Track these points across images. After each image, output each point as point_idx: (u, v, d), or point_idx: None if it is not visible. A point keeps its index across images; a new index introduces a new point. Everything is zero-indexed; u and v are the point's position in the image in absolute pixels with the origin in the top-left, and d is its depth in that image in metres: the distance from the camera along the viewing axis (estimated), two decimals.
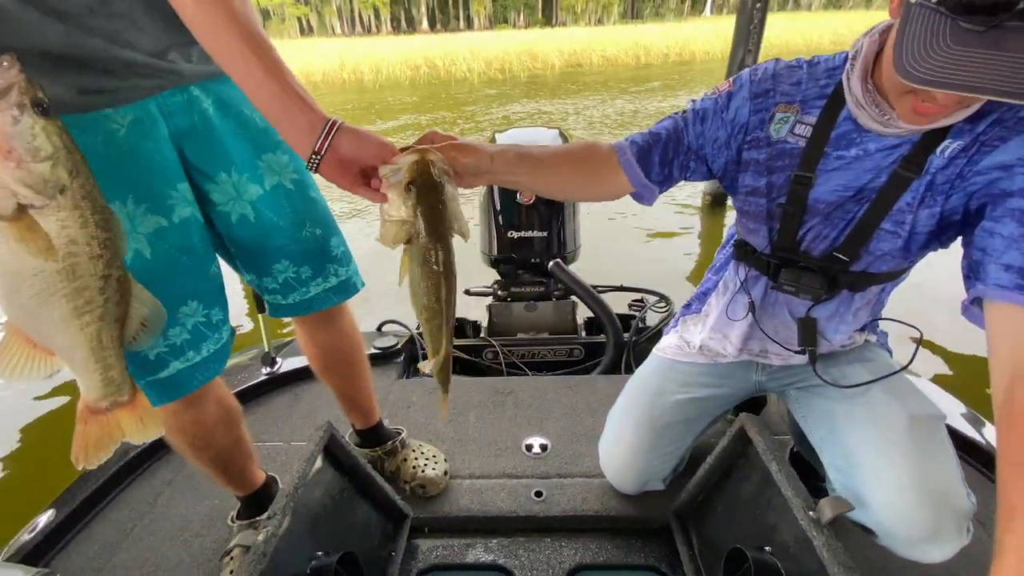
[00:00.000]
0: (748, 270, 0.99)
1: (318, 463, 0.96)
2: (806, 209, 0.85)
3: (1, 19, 0.59)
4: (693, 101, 0.90)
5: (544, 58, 17.01)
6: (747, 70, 0.87)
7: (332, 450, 1.01)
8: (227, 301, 0.88)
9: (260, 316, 1.52)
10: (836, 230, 0.85)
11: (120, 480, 1.29)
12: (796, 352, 0.97)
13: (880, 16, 0.70)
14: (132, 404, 0.56)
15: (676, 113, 0.91)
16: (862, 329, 0.98)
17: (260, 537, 0.80)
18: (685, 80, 12.94)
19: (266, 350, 1.63)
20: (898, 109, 0.71)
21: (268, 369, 1.63)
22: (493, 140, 2.02)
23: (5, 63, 0.43)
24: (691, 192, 5.24)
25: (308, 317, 0.98)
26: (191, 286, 0.79)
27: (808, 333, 0.93)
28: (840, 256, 0.85)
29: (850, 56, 0.77)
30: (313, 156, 0.61)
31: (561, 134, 2.13)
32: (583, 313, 2.04)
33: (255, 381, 1.60)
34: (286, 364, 1.66)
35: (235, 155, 0.79)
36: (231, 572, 1.02)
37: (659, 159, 0.88)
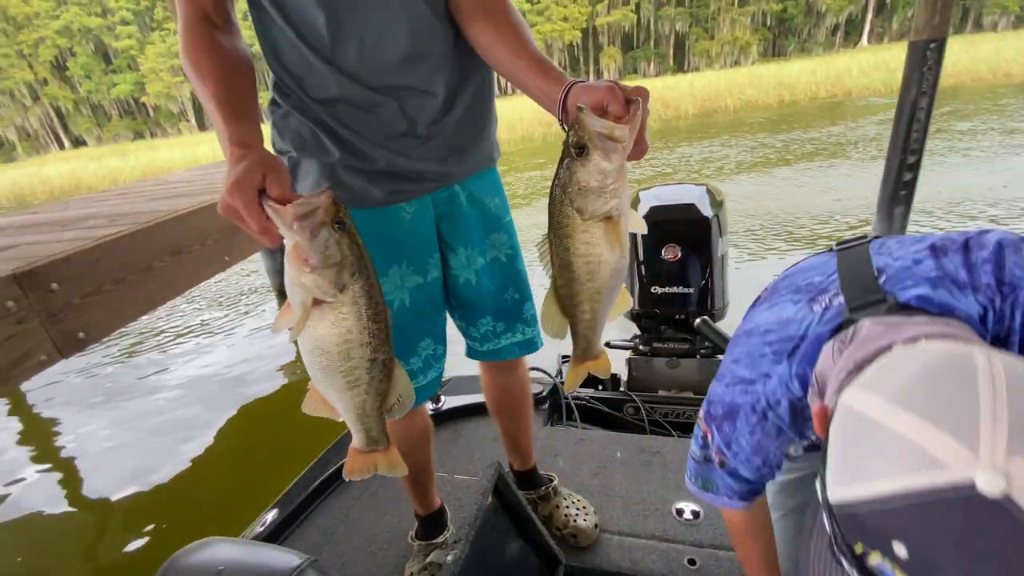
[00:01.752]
0: None
1: (490, 498, 1.07)
2: None
3: (352, 152, 0.86)
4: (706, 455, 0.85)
5: (676, 104, 16.83)
6: (703, 409, 0.80)
7: (500, 488, 1.12)
8: (446, 340, 1.08)
9: None
10: None
11: (322, 491, 1.54)
12: None
13: None
14: (386, 452, 0.72)
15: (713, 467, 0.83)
16: None
17: (449, 558, 0.93)
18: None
19: None
20: None
21: (433, 405, 1.84)
22: (637, 199, 2.07)
23: (321, 192, 0.54)
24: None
25: (494, 362, 1.16)
26: (429, 328, 1.02)
27: None
28: None
29: None
30: (562, 125, 0.63)
31: (708, 191, 2.12)
32: None
33: None
34: (448, 401, 1.85)
35: (473, 234, 1.01)
36: None
37: (760, 488, 0.83)
